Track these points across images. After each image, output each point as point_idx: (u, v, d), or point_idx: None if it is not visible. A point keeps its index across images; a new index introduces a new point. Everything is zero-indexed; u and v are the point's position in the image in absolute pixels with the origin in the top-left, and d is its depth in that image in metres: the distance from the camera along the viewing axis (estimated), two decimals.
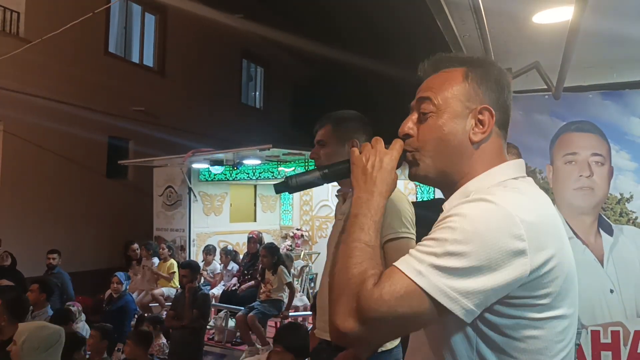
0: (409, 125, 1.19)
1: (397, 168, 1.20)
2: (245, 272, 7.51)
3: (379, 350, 2.00)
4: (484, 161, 1.13)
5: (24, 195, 9.16)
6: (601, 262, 3.30)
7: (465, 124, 1.13)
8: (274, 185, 1.37)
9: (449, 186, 1.16)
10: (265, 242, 7.73)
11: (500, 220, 0.95)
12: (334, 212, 2.38)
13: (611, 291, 3.27)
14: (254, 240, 7.64)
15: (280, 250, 9.27)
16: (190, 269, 6.03)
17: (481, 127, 1.12)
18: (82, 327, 6.31)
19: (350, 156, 1.22)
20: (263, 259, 6.56)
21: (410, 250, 1.00)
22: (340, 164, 1.28)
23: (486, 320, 0.99)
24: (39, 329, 3.46)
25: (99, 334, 4.70)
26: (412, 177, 1.21)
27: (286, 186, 1.28)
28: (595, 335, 3.24)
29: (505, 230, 0.94)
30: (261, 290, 6.60)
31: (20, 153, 9.15)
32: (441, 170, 1.16)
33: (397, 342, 2.11)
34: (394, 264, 0.99)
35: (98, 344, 4.66)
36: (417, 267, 0.95)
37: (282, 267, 6.40)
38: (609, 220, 3.35)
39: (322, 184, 1.31)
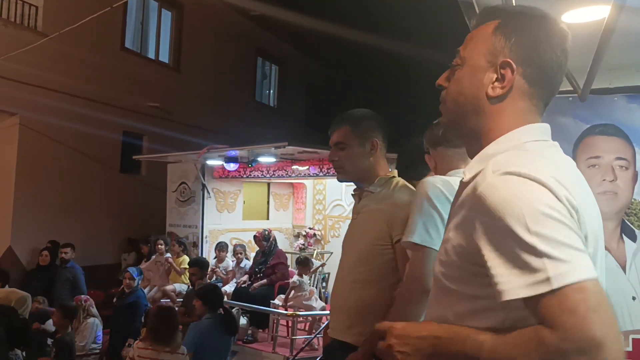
0: (443, 77, 1.19)
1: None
2: (257, 269, 7.49)
3: None
4: (504, 119, 1.09)
5: (39, 189, 9.21)
6: (623, 269, 3.22)
7: (486, 78, 1.09)
8: None
9: (472, 141, 1.14)
10: (277, 241, 7.72)
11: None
12: (346, 212, 2.35)
13: (633, 298, 3.19)
14: (259, 239, 7.62)
15: (292, 249, 9.27)
16: (198, 267, 6.04)
17: (502, 82, 1.08)
18: (93, 322, 6.32)
19: None
20: None
21: None
22: None
23: None
24: (9, 293, 4.38)
25: (61, 313, 5.19)
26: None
27: None
28: None
29: None
30: None
31: (36, 147, 9.20)
32: (457, 122, 1.16)
33: None
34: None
35: (61, 321, 5.14)
36: None
37: None
38: (632, 226, 3.27)
39: None
